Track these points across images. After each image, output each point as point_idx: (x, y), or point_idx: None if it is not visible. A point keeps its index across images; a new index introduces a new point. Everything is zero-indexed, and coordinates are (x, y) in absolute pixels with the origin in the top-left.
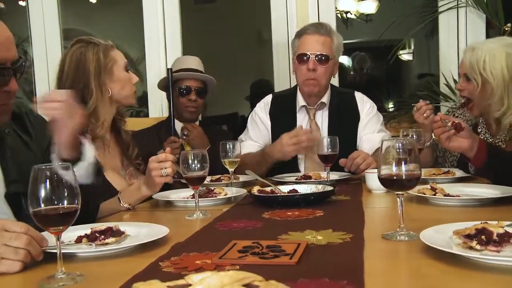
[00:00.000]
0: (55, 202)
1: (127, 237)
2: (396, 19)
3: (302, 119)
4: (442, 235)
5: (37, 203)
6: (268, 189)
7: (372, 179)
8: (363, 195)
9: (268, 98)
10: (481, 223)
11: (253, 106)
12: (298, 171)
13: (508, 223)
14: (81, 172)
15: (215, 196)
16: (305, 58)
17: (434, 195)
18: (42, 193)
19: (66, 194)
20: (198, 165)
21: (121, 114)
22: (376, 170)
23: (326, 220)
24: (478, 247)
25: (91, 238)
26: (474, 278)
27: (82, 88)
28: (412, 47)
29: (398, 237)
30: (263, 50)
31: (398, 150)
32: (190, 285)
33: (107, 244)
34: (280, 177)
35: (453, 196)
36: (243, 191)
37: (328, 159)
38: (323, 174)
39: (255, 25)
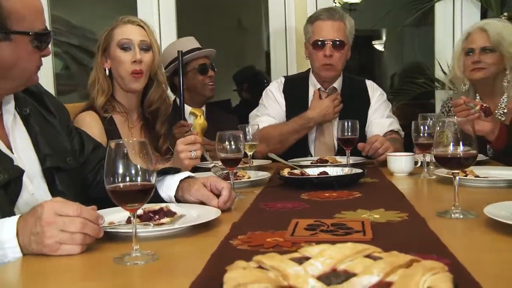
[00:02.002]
0: (132, 179)
1: (182, 217)
2: (392, 8)
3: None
4: (503, 212)
5: (113, 180)
6: (297, 171)
7: (395, 162)
8: (388, 177)
9: (282, 79)
10: None
11: (243, 92)
12: (308, 153)
13: None
14: None
15: (240, 179)
16: (321, 44)
17: (465, 176)
18: (120, 170)
19: (142, 171)
20: (234, 146)
21: (150, 102)
22: (397, 154)
23: (369, 200)
24: None
25: (145, 218)
26: None
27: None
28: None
29: (453, 215)
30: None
31: (455, 129)
32: (309, 257)
33: (162, 224)
34: (295, 161)
35: (482, 177)
36: (267, 174)
37: (350, 142)
38: (339, 158)
39: (235, 13)
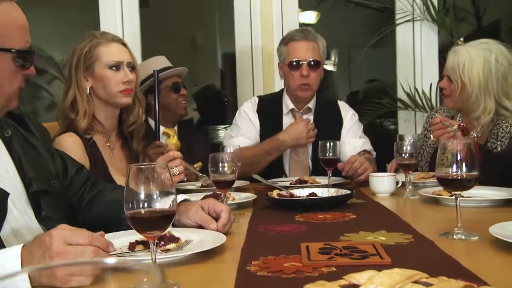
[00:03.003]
0: (152, 205)
1: (188, 243)
2: (362, 28)
3: (288, 121)
4: (509, 233)
5: (133, 206)
6: (284, 192)
7: (378, 182)
8: (372, 197)
9: (255, 99)
10: None
11: (205, 113)
12: (283, 173)
13: None
14: None
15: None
16: (296, 64)
17: (451, 195)
18: (141, 196)
19: (161, 197)
20: (227, 168)
21: (130, 122)
22: (379, 174)
23: (366, 222)
24: None
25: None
26: None
27: (66, 81)
28: (334, 59)
29: (455, 236)
30: (197, 56)
31: (456, 151)
32: (357, 285)
33: (169, 250)
34: (274, 181)
35: (467, 197)
36: (252, 196)
37: (332, 162)
38: (317, 179)
39: (190, 31)
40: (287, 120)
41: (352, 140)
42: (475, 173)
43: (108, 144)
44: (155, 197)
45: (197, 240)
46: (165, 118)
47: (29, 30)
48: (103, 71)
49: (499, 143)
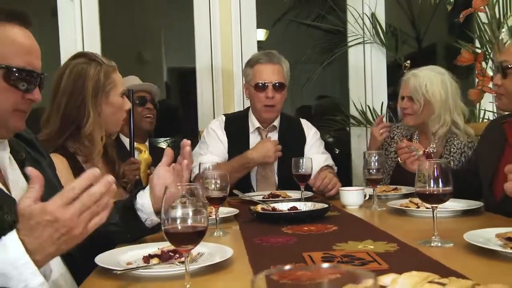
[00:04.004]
0: (187, 221)
1: (200, 255)
2: (310, 50)
3: (255, 139)
4: (481, 239)
5: (170, 222)
6: (267, 207)
7: (348, 196)
8: (343, 209)
9: (222, 117)
10: None
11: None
12: (251, 188)
13: None
14: None
15: (210, 215)
16: (263, 86)
17: (418, 208)
18: (178, 212)
19: (195, 213)
20: (218, 185)
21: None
22: (349, 188)
23: (350, 232)
24: None
25: (165, 257)
26: None
27: (78, 105)
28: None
29: (433, 243)
30: (143, 70)
31: (433, 169)
32: (384, 286)
33: (183, 262)
34: (248, 195)
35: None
36: (235, 210)
37: (305, 178)
38: (289, 193)
39: (136, 47)
40: (253, 138)
41: (315, 156)
42: (449, 188)
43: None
44: (190, 214)
45: (207, 251)
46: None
47: (40, 57)
48: (118, 98)
49: (451, 158)
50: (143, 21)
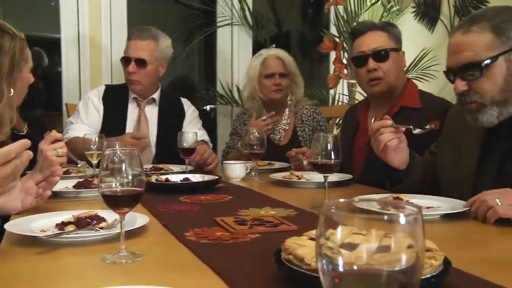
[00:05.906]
0: (124, 184)
1: (118, 222)
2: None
3: (132, 109)
4: None
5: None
6: (163, 178)
7: (231, 169)
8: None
9: (103, 86)
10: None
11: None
12: None
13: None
14: None
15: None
16: (126, 61)
17: (299, 179)
18: (116, 176)
19: (134, 177)
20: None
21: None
22: (232, 162)
23: (247, 200)
24: None
25: (83, 224)
26: None
27: None
28: None
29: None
30: None
31: (327, 142)
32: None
33: (102, 228)
34: None
35: (307, 180)
36: None
37: (190, 152)
38: (171, 166)
39: None
40: (131, 107)
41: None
42: (338, 160)
43: None
44: (130, 177)
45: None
46: None
47: None
48: (28, 75)
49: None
50: None
